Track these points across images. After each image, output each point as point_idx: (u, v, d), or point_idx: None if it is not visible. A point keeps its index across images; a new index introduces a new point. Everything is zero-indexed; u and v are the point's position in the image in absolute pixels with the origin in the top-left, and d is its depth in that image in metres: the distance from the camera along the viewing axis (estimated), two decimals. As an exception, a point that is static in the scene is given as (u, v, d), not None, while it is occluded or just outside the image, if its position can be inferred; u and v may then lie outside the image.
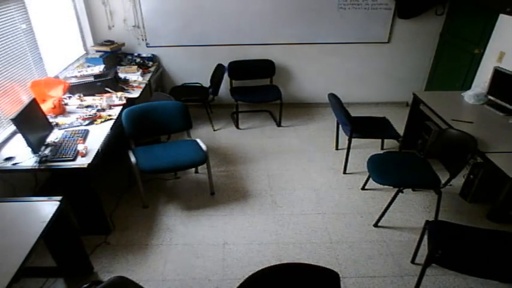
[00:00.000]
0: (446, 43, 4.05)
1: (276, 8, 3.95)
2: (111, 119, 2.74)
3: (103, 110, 2.86)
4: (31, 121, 2.25)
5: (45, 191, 2.77)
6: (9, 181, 2.42)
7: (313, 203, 2.87)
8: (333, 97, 3.03)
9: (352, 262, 2.33)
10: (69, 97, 3.03)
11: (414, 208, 2.80)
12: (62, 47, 3.47)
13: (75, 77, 3.20)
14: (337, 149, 3.65)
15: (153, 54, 4.16)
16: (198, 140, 2.93)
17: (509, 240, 1.91)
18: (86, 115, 2.74)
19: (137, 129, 2.85)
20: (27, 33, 2.82)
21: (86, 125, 2.65)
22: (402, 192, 2.93)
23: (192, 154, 2.76)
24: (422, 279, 1.98)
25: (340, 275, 1.39)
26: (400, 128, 3.49)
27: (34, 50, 2.91)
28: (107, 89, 3.12)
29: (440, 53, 4.18)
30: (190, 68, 4.30)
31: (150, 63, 4.03)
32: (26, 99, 2.73)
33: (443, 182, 2.39)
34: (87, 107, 2.90)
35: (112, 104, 2.94)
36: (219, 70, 4.02)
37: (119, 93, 3.11)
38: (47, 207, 1.75)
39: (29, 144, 2.16)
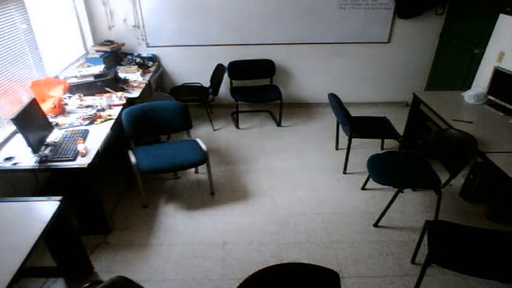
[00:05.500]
0: (446, 43, 4.05)
1: (276, 7, 3.95)
2: (111, 119, 2.74)
3: (103, 110, 2.86)
4: (31, 121, 2.25)
5: (45, 191, 2.77)
6: (9, 181, 2.42)
7: (313, 203, 2.87)
8: (333, 97, 3.03)
9: (352, 262, 2.33)
10: (69, 97, 3.03)
11: (414, 208, 2.80)
12: (62, 47, 3.47)
13: (75, 77, 3.20)
14: (337, 149, 3.65)
15: (153, 54, 4.16)
16: (198, 140, 2.93)
17: (509, 240, 1.92)
18: (86, 115, 2.74)
19: (137, 129, 2.85)
20: (27, 33, 2.82)
21: (86, 125, 2.65)
22: (402, 192, 2.94)
23: (192, 154, 2.76)
24: (422, 279, 1.98)
25: (340, 275, 1.39)
26: (400, 128, 3.49)
27: (34, 50, 2.91)
28: (107, 89, 3.12)
29: (440, 53, 4.18)
30: (190, 68, 4.30)
31: (150, 63, 4.03)
32: (26, 99, 2.73)
33: (443, 182, 2.39)
34: (87, 107, 2.90)
35: (112, 104, 2.94)
36: (219, 70, 4.02)
37: (119, 93, 3.11)
38: (47, 207, 1.75)
39: (29, 144, 2.16)
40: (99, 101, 2.98)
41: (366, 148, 3.62)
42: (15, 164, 2.17)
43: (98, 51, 3.83)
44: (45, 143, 2.35)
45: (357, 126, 3.09)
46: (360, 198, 2.91)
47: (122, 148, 2.86)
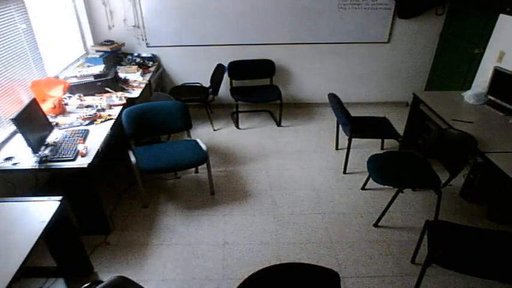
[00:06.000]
0: (446, 43, 4.05)
1: (276, 7, 3.95)
2: (111, 119, 2.74)
3: (103, 110, 2.86)
4: (31, 121, 2.25)
5: (45, 191, 2.77)
6: (9, 181, 2.42)
7: (313, 203, 2.87)
8: (333, 97, 3.03)
9: (352, 262, 2.33)
10: (69, 97, 3.03)
11: (414, 208, 2.80)
12: (62, 47, 3.47)
13: (75, 76, 3.20)
14: (337, 149, 3.65)
15: (153, 54, 4.16)
16: (198, 140, 2.93)
17: (509, 240, 1.92)
18: (86, 115, 2.74)
19: (137, 129, 2.85)
20: (27, 33, 2.82)
21: (86, 125, 2.65)
22: (402, 192, 2.95)
23: (192, 154, 2.76)
24: (422, 279, 1.98)
25: (340, 275, 1.39)
26: (400, 128, 3.49)
27: (34, 50, 2.91)
28: (107, 88, 3.12)
29: (440, 53, 4.18)
30: (190, 68, 4.30)
31: (150, 63, 4.03)
32: (26, 99, 2.73)
33: (443, 182, 2.39)
34: (87, 107, 2.90)
35: (112, 104, 2.94)
36: (219, 70, 4.02)
37: (119, 93, 3.11)
38: (47, 207, 1.75)
39: (29, 144, 2.16)
40: (99, 101, 2.98)
41: (366, 148, 3.62)
42: (15, 164, 2.17)
43: (98, 51, 3.83)
44: (45, 143, 2.35)
45: (357, 126, 3.09)
46: (360, 198, 2.91)
47: (122, 148, 2.86)
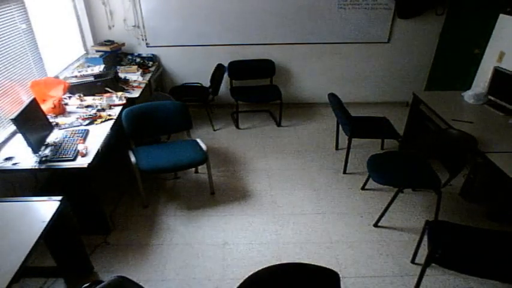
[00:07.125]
0: (446, 43, 4.05)
1: (276, 7, 3.95)
2: (111, 119, 2.74)
3: (103, 110, 2.86)
4: (31, 121, 2.25)
5: (45, 191, 2.77)
6: (9, 181, 2.42)
7: (313, 203, 2.87)
8: (333, 97, 3.03)
9: (352, 262, 2.33)
10: (69, 97, 3.03)
11: (414, 208, 2.80)
12: (62, 47, 3.47)
13: (75, 76, 3.20)
14: (337, 149, 3.65)
15: (153, 54, 4.16)
16: (198, 140, 2.93)
17: (509, 240, 1.92)
18: (86, 115, 2.74)
19: (137, 129, 2.85)
20: (27, 33, 2.82)
21: (86, 125, 2.65)
22: (402, 192, 2.95)
23: (192, 154, 2.76)
24: (422, 279, 1.98)
25: (340, 275, 1.39)
26: (400, 128, 3.49)
27: (34, 50, 2.91)
28: (107, 88, 3.12)
29: (440, 53, 4.18)
30: (190, 68, 4.30)
31: (150, 63, 4.03)
32: (26, 99, 2.73)
33: (443, 182, 2.39)
34: (87, 107, 2.90)
35: (112, 103, 2.94)
36: (219, 70, 4.02)
37: (119, 93, 3.11)
38: (47, 207, 1.76)
39: (29, 144, 2.16)
40: (99, 101, 2.98)
41: (366, 148, 3.62)
42: (15, 164, 2.17)
43: (98, 51, 3.83)
44: (45, 143, 2.35)
45: (357, 126, 3.09)
46: (360, 198, 2.91)
47: (122, 148, 2.86)
